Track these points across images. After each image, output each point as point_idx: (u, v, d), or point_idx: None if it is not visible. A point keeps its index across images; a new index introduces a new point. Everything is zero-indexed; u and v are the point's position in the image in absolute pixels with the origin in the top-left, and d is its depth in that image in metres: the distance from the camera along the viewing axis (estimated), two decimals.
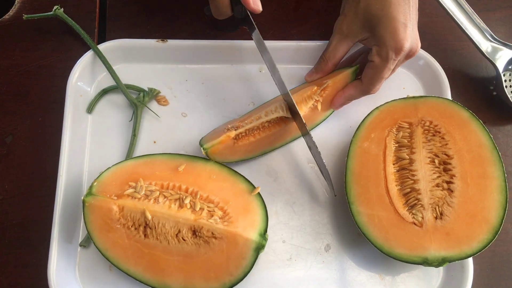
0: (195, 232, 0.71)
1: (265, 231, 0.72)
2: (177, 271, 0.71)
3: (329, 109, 0.84)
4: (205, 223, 0.71)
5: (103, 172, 0.74)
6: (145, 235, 0.72)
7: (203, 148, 0.76)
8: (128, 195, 0.73)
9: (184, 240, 0.71)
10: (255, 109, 0.84)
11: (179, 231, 0.71)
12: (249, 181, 0.75)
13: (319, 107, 0.82)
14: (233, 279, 0.70)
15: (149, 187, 0.73)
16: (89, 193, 0.72)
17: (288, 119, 0.80)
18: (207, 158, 0.77)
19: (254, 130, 0.80)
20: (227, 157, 0.78)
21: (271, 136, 0.80)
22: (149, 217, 0.71)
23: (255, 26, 0.77)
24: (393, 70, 0.77)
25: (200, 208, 0.72)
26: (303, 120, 0.77)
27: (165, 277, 0.71)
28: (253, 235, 0.71)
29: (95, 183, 0.73)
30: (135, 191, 0.73)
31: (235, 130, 0.78)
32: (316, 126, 0.85)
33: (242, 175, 0.75)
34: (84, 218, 0.72)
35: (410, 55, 0.76)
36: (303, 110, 0.81)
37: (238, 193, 0.74)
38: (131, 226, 0.72)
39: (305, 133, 0.79)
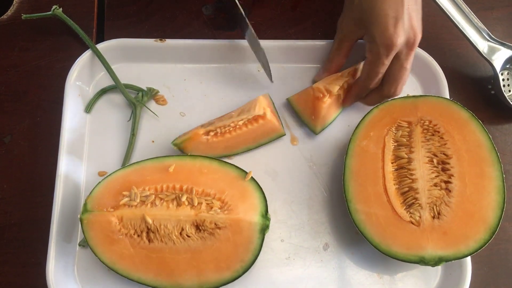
0: (198, 226, 0.72)
1: (266, 211, 0.73)
2: (188, 269, 0.71)
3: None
4: (207, 216, 0.71)
5: (93, 188, 0.74)
6: (149, 240, 0.72)
7: (173, 144, 0.79)
8: (124, 205, 0.72)
9: (189, 236, 0.71)
10: (237, 108, 0.85)
11: (182, 229, 0.72)
12: (240, 168, 0.75)
13: (342, 96, 0.84)
14: (245, 265, 0.71)
15: (144, 193, 0.73)
16: (85, 210, 0.72)
17: (265, 118, 0.80)
18: (194, 155, 0.77)
19: (229, 127, 0.80)
20: (206, 152, 0.79)
21: (248, 132, 0.81)
22: (150, 221, 0.71)
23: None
24: (402, 65, 0.76)
25: (198, 203, 0.73)
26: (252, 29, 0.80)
27: (177, 278, 0.71)
28: (256, 218, 0.72)
29: (88, 200, 0.73)
30: (130, 199, 0.72)
31: (204, 128, 0.80)
32: (329, 124, 0.85)
33: (232, 164, 0.76)
34: (84, 236, 0.72)
35: (409, 46, 0.74)
36: (336, 89, 0.81)
37: (232, 181, 0.74)
38: (134, 234, 0.72)
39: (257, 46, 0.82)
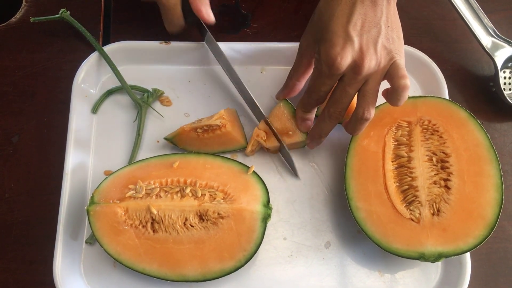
0: (201, 216, 0.74)
1: (268, 201, 0.75)
2: (192, 259, 0.72)
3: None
4: (210, 205, 0.73)
5: (100, 183, 0.76)
6: (153, 231, 0.73)
7: (165, 139, 0.83)
8: (130, 197, 0.74)
9: (193, 226, 0.73)
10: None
11: (186, 219, 0.73)
12: (242, 164, 0.78)
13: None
14: (247, 254, 0.72)
15: (149, 186, 0.75)
16: (92, 202, 0.74)
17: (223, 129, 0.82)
18: (199, 153, 0.79)
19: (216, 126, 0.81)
20: (201, 147, 0.82)
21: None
22: (154, 211, 0.73)
23: (207, 29, 0.82)
24: (344, 88, 0.71)
25: (202, 194, 0.74)
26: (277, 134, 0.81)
27: (181, 268, 0.72)
28: (258, 207, 0.74)
29: (95, 193, 0.75)
30: (136, 192, 0.74)
31: (192, 124, 0.82)
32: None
33: (235, 160, 0.78)
34: (91, 227, 0.73)
35: (355, 70, 0.68)
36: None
37: (235, 175, 0.76)
38: (139, 225, 0.73)
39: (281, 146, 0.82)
